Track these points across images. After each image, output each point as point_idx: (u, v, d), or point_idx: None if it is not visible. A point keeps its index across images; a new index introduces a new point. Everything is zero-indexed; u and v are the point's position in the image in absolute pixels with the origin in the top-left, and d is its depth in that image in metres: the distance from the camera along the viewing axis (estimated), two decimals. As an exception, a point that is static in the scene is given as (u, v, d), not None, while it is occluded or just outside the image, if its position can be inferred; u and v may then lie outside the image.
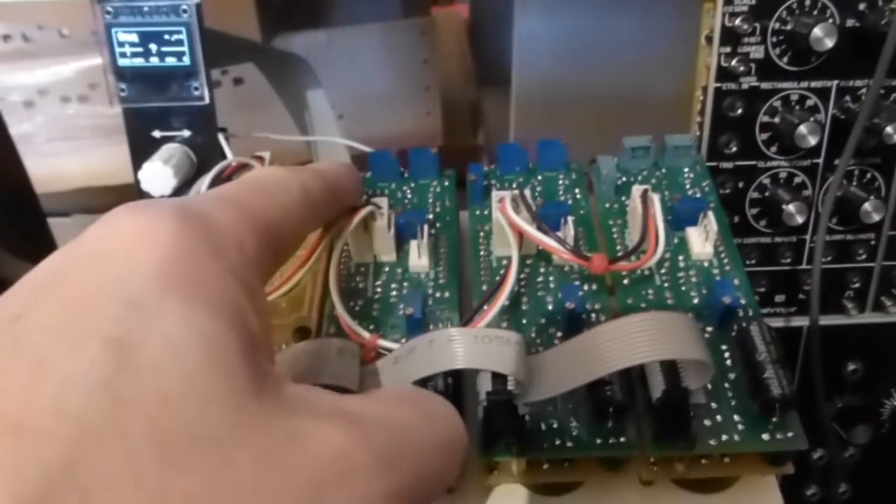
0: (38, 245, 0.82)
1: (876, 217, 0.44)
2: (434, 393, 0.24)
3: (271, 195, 0.25)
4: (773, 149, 0.44)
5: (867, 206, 0.44)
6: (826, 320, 0.49)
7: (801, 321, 0.49)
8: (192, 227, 0.20)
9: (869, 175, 0.45)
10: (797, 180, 0.45)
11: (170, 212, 0.20)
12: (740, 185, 0.45)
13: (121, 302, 0.18)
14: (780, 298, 0.48)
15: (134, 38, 0.39)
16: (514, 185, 0.41)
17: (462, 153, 0.99)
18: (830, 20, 0.41)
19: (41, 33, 0.92)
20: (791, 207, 0.44)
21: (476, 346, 0.28)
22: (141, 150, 0.42)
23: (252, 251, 0.22)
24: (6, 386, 0.16)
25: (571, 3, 0.63)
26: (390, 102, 0.95)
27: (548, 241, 0.33)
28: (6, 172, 0.79)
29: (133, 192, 0.42)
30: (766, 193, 0.45)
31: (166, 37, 0.39)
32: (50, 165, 0.92)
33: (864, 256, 0.47)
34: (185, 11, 0.39)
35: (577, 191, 0.41)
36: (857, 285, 0.48)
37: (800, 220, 0.44)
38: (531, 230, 0.33)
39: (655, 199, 0.35)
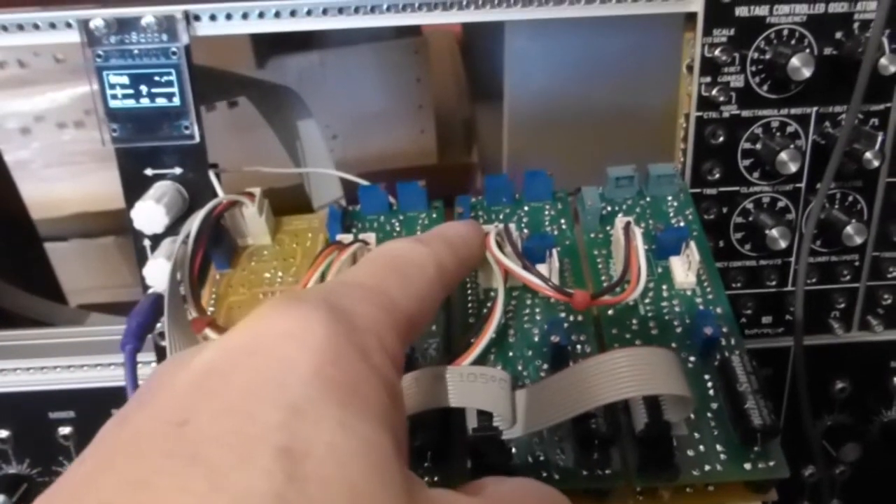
0: (35, 270, 0.82)
1: (858, 240, 0.45)
2: (549, 486, 0.25)
3: (409, 281, 0.25)
4: (756, 174, 0.45)
5: (849, 229, 0.45)
6: (813, 340, 0.49)
7: (788, 342, 0.49)
8: (339, 326, 0.20)
9: (851, 198, 0.46)
10: (780, 205, 0.46)
11: (318, 309, 0.20)
12: (724, 210, 0.46)
13: (284, 408, 0.18)
14: (766, 320, 0.49)
15: (125, 80, 0.40)
16: (501, 217, 0.42)
17: (456, 171, 1.00)
18: (808, 49, 0.42)
19: (37, 59, 0.93)
20: (774, 232, 0.45)
21: (462, 385, 0.29)
22: (133, 188, 0.42)
23: (392, 348, 0.22)
24: (184, 502, 0.16)
25: (560, 21, 0.64)
26: (384, 121, 0.96)
27: (531, 279, 0.34)
28: (2, 199, 0.79)
29: (129, 218, 0.43)
30: (750, 218, 0.46)
31: (156, 78, 0.40)
32: (46, 191, 0.93)
33: (848, 277, 0.48)
34: (174, 53, 0.40)
35: (562, 221, 0.41)
36: (842, 305, 0.49)
37: (783, 244, 0.45)
38: (515, 268, 0.34)
39: (637, 232, 0.36)
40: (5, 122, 0.93)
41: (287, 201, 0.51)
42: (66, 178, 0.95)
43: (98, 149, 0.95)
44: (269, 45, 0.86)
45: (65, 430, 0.48)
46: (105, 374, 0.48)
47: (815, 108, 0.44)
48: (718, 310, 0.36)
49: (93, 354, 0.48)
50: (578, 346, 0.35)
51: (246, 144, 0.78)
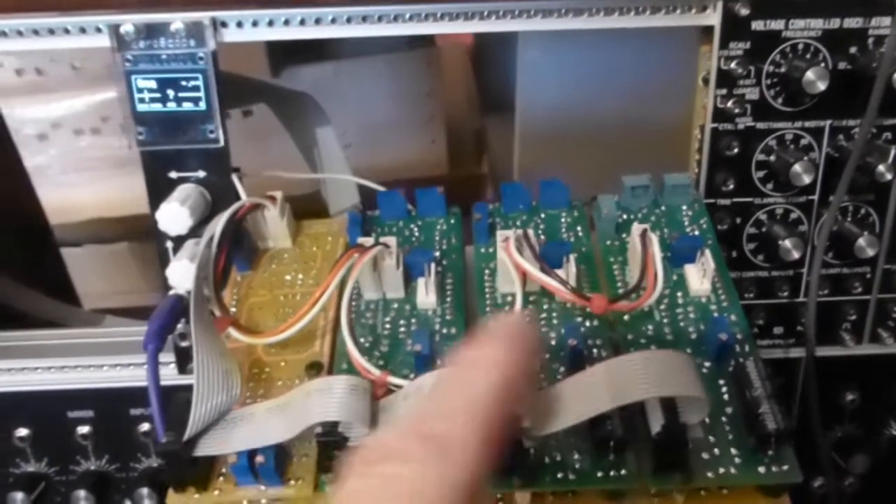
0: (51, 274, 0.83)
1: (870, 252, 0.45)
2: None
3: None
4: (770, 186, 0.46)
5: (861, 241, 0.45)
6: (824, 351, 0.50)
7: (799, 352, 0.50)
8: None
9: (863, 211, 0.47)
10: (793, 216, 0.46)
11: None
12: (738, 220, 0.46)
13: None
14: (778, 330, 0.49)
15: (152, 84, 0.41)
16: (518, 224, 0.43)
17: (466, 182, 1.00)
18: (822, 64, 0.42)
19: (54, 66, 0.94)
20: (787, 243, 0.45)
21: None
22: (158, 190, 0.43)
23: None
24: None
25: (573, 33, 0.65)
26: (396, 131, 0.97)
27: (550, 282, 0.34)
28: (20, 204, 0.80)
29: (145, 223, 0.43)
30: (763, 229, 0.46)
31: (183, 83, 0.41)
32: (63, 196, 0.94)
33: (859, 289, 0.49)
34: (201, 59, 0.41)
35: (578, 228, 0.42)
36: (853, 317, 0.49)
37: (796, 255, 0.45)
38: (534, 271, 0.35)
39: (654, 238, 0.37)
40: (23, 129, 0.94)
41: (303, 207, 0.52)
42: (82, 184, 0.96)
43: (114, 155, 0.96)
44: (283, 55, 0.87)
45: (83, 430, 0.49)
46: (123, 374, 0.48)
47: (828, 122, 0.44)
48: (733, 317, 0.37)
49: (111, 355, 0.48)
50: (595, 351, 0.36)
51: (259, 154, 0.79)
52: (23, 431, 0.49)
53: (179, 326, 0.43)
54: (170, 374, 0.46)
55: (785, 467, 0.31)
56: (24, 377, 0.48)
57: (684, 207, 0.43)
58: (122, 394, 0.48)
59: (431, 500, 0.21)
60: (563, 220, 0.43)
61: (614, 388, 0.29)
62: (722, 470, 0.31)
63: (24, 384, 0.48)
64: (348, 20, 0.41)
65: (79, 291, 0.87)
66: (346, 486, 0.21)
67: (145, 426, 0.49)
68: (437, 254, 0.41)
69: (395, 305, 0.39)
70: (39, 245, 0.82)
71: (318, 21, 0.41)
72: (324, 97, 0.86)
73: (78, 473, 0.50)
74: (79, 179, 0.96)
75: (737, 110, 0.44)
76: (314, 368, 0.36)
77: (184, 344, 0.46)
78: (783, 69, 0.43)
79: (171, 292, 0.41)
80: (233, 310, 0.41)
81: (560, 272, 0.37)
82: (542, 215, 0.43)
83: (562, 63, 0.76)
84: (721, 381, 0.34)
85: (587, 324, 0.37)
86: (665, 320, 0.37)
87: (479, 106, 1.03)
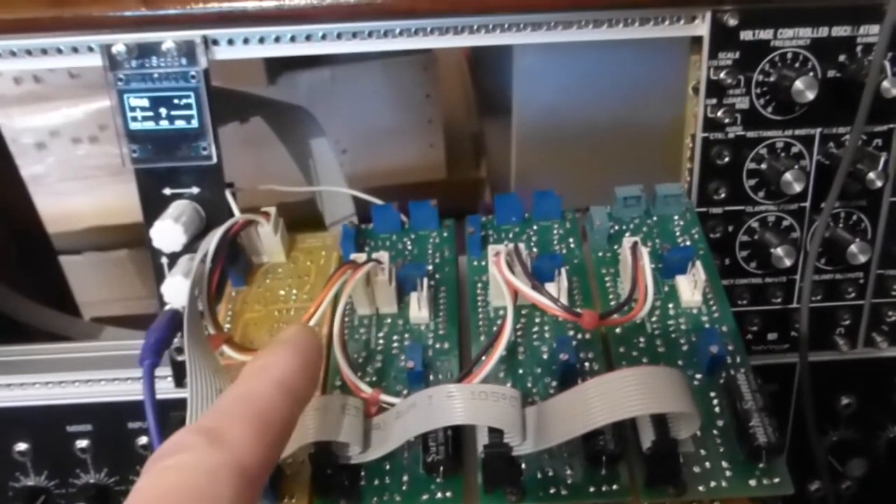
0: (50, 283, 0.84)
1: (862, 258, 0.46)
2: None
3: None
4: (761, 194, 0.46)
5: (853, 247, 0.45)
6: (818, 356, 0.50)
7: (793, 358, 0.50)
8: None
9: (855, 217, 0.47)
10: (785, 223, 0.47)
11: None
12: (730, 229, 0.47)
13: None
14: (772, 336, 0.49)
15: (145, 102, 0.41)
16: (511, 236, 0.43)
17: (465, 186, 1.01)
18: (811, 72, 0.42)
19: (52, 75, 0.95)
20: (779, 251, 0.45)
21: (473, 403, 0.30)
22: (152, 207, 0.43)
23: None
24: None
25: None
26: (394, 136, 0.97)
27: (540, 299, 0.35)
28: (18, 213, 0.80)
29: (142, 231, 0.44)
30: (755, 237, 0.47)
31: (175, 101, 0.41)
32: (61, 205, 0.94)
33: (853, 295, 0.49)
34: (193, 77, 0.41)
35: (571, 240, 0.42)
36: (847, 322, 0.49)
37: (788, 262, 0.45)
38: (525, 289, 0.35)
39: (644, 252, 0.37)
40: (21, 137, 0.95)
41: (299, 216, 0.52)
42: (80, 192, 0.97)
43: (112, 163, 0.96)
44: (280, 61, 0.87)
45: (82, 444, 0.49)
46: (122, 388, 0.48)
47: (818, 130, 0.45)
48: (724, 328, 0.37)
49: (110, 369, 0.49)
50: (587, 364, 0.36)
51: (256, 159, 0.79)
52: (22, 446, 0.49)
53: (176, 340, 0.44)
54: (167, 388, 0.46)
55: (776, 480, 0.32)
56: (23, 392, 0.49)
57: (676, 217, 0.43)
58: (121, 408, 0.49)
59: (204, 482, 0.23)
60: (555, 231, 0.43)
61: (606, 404, 0.30)
62: (713, 483, 0.32)
63: (24, 399, 0.49)
64: (339, 36, 0.42)
65: (78, 300, 0.87)
66: (134, 488, 0.23)
67: (143, 439, 0.49)
68: (430, 267, 0.41)
69: (389, 320, 0.39)
70: (37, 254, 0.83)
71: (308, 38, 0.42)
72: (321, 103, 0.86)
73: (77, 487, 0.50)
74: (77, 188, 0.96)
75: (727, 119, 0.44)
76: (308, 385, 0.36)
77: (180, 358, 0.46)
78: (772, 78, 0.43)
79: (167, 307, 0.41)
80: (227, 325, 0.41)
81: (552, 285, 0.37)
82: (535, 227, 0.43)
83: (557, 69, 0.76)
84: (712, 394, 0.35)
85: (579, 337, 0.37)
86: (657, 332, 0.37)
87: (477, 109, 1.03)
